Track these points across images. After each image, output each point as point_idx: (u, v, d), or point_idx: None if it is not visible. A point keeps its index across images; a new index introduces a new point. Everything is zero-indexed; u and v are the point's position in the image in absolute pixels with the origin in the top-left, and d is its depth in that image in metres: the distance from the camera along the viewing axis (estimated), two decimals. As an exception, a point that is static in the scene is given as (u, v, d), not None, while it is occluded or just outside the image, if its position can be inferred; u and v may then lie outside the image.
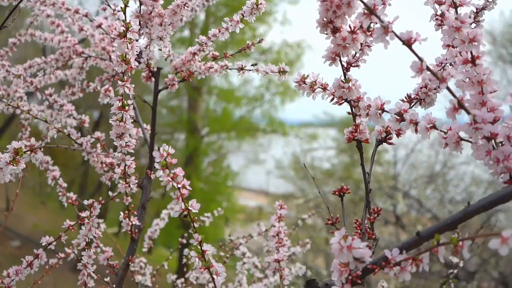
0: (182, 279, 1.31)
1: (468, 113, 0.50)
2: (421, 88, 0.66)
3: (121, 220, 0.94)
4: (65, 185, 1.08)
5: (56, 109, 1.12)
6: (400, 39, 0.49)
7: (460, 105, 0.50)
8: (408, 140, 7.49)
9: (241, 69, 0.93)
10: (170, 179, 0.60)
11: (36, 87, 1.13)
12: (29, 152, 0.64)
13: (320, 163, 10.17)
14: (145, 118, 1.17)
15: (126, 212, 0.94)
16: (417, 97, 0.66)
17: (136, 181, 0.89)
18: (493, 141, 0.51)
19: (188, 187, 0.61)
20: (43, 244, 0.89)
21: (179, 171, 0.61)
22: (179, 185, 0.60)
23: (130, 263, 0.97)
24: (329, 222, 0.63)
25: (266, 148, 11.96)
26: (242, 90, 11.84)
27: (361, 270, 0.53)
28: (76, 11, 1.06)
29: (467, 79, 0.53)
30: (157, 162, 0.59)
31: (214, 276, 0.62)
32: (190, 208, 0.61)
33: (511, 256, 6.18)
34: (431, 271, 6.17)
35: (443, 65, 0.67)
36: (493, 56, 9.03)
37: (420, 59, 0.49)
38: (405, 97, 0.67)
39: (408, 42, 0.49)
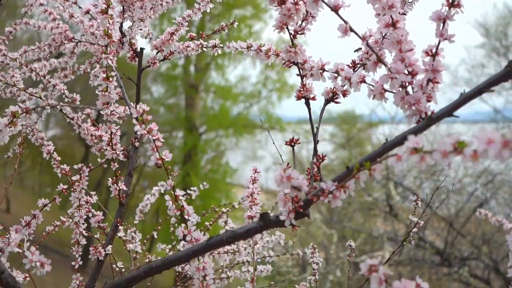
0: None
1: (386, 66, 0.60)
2: (364, 54, 0.76)
3: (110, 185, 1.05)
4: (59, 158, 1.18)
5: (50, 90, 1.22)
6: (328, 6, 0.59)
7: (379, 59, 0.61)
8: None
9: (214, 46, 1.03)
10: (146, 132, 0.70)
11: (31, 69, 1.23)
12: (24, 114, 0.75)
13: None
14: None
15: (114, 178, 1.04)
16: (361, 62, 0.77)
17: (122, 148, 0.99)
18: (411, 89, 0.62)
19: (162, 140, 0.71)
20: (39, 206, 0.99)
21: (154, 126, 0.71)
22: (154, 138, 0.71)
23: (118, 225, 1.07)
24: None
25: (263, 144, 12.03)
26: (239, 87, 11.93)
27: (303, 201, 0.63)
28: (66, -1, 1.17)
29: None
30: (134, 118, 0.69)
31: (186, 217, 0.73)
32: (163, 157, 0.71)
33: (503, 243, 6.30)
34: (424, 260, 6.31)
35: (383, 34, 0.77)
36: (487, 49, 9.13)
37: (345, 21, 0.60)
38: (351, 62, 0.77)
39: (335, 8, 0.59)
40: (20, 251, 0.71)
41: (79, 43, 1.27)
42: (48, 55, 1.28)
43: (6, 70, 1.38)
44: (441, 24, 0.61)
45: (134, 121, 0.70)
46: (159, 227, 1.50)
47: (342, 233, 6.23)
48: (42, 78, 1.19)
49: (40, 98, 1.06)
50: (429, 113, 0.60)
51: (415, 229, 1.13)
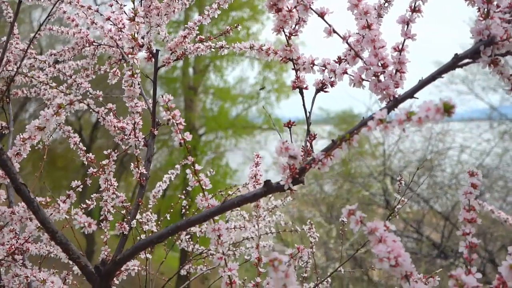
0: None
1: (362, 59, 0.76)
2: (347, 51, 0.92)
3: (132, 169, 1.21)
4: (84, 148, 1.34)
5: (74, 88, 1.38)
6: (316, 13, 0.75)
7: (356, 55, 0.76)
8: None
9: (221, 47, 1.19)
10: (171, 117, 0.86)
11: (59, 70, 1.39)
12: (69, 105, 0.90)
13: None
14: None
15: (136, 162, 1.20)
16: (345, 57, 0.92)
17: (143, 136, 1.15)
18: (383, 77, 0.78)
19: (183, 123, 0.87)
20: (73, 186, 1.15)
21: (177, 112, 0.87)
22: (177, 122, 0.86)
23: (140, 204, 1.23)
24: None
25: (263, 145, 12.18)
26: (238, 89, 12.11)
27: (299, 169, 0.79)
28: (89, 8, 1.32)
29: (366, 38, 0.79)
30: (161, 105, 0.85)
31: (204, 187, 0.89)
32: (185, 137, 0.87)
33: (498, 236, 6.47)
34: (421, 253, 6.47)
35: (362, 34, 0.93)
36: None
37: (329, 25, 0.75)
38: (337, 58, 0.93)
39: (321, 15, 0.75)
40: (68, 217, 0.87)
41: (99, 46, 1.43)
42: (72, 57, 1.44)
43: (32, 71, 1.54)
44: (406, 26, 0.77)
45: (161, 108, 0.86)
46: (171, 210, 1.65)
47: (340, 227, 6.39)
48: (68, 77, 1.35)
49: (70, 94, 1.22)
50: (396, 96, 0.76)
51: (399, 206, 1.28)
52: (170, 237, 2.29)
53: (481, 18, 0.69)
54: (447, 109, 0.53)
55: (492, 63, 0.69)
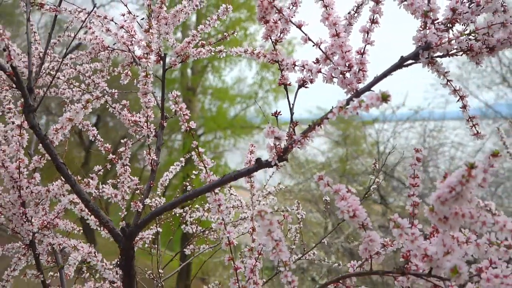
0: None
1: (331, 61, 0.96)
2: (322, 54, 1.12)
3: (144, 156, 1.41)
4: (102, 140, 1.54)
5: (92, 87, 1.58)
6: (294, 24, 0.96)
7: (327, 57, 0.97)
8: (391, 125, 8.02)
9: (220, 51, 1.40)
10: (178, 109, 1.06)
11: (79, 71, 1.59)
12: (96, 100, 1.10)
13: (314, 157, 10.59)
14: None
15: (148, 150, 1.40)
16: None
17: (154, 127, 1.35)
18: (348, 75, 0.98)
19: (188, 114, 1.07)
20: (96, 170, 1.35)
21: (183, 105, 1.07)
22: (184, 113, 1.07)
23: (151, 186, 1.43)
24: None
25: (261, 144, 12.34)
26: (236, 89, 12.29)
27: (283, 148, 0.99)
28: (105, 17, 1.52)
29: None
30: (170, 100, 1.05)
31: (206, 165, 1.09)
32: (190, 125, 1.07)
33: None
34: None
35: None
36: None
37: (305, 34, 0.96)
38: (315, 59, 1.13)
39: (299, 26, 0.96)
40: (95, 192, 1.07)
41: (113, 51, 1.63)
42: (90, 60, 1.64)
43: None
44: (366, 34, 0.97)
45: (170, 102, 1.06)
46: (177, 195, 1.84)
47: (337, 222, 6.60)
48: (87, 78, 1.55)
49: (90, 92, 1.42)
50: (359, 89, 0.96)
51: (374, 186, 1.48)
52: (175, 222, 2.49)
53: (420, 28, 0.89)
54: (384, 98, 0.73)
55: (430, 63, 0.90)
